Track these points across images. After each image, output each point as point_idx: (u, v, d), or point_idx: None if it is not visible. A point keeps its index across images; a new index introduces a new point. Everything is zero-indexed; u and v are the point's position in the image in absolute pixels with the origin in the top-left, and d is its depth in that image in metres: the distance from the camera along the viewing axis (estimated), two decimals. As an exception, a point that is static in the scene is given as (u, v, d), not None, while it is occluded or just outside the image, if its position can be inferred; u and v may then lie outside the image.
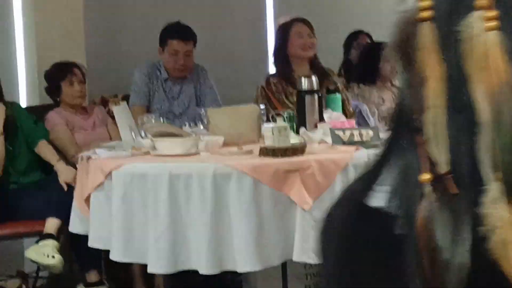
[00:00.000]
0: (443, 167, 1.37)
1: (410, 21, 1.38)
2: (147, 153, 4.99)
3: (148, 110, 5.96)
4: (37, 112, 6.00)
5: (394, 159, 1.51)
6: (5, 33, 6.42)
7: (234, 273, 5.09)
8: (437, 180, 1.39)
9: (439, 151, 1.37)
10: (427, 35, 1.37)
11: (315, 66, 5.79)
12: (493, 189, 1.35)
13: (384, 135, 5.22)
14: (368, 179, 1.55)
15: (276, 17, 7.15)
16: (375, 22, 7.25)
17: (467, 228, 1.36)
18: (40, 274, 5.88)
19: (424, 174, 1.40)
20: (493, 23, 1.36)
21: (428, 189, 1.39)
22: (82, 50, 6.37)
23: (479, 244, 1.35)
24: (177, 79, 6.12)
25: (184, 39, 6.03)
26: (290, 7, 6.77)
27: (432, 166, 1.38)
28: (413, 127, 1.41)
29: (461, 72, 1.36)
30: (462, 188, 1.38)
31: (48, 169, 5.71)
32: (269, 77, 5.89)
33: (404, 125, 1.45)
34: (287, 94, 5.75)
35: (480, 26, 1.36)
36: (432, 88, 1.36)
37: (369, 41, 6.97)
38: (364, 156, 4.80)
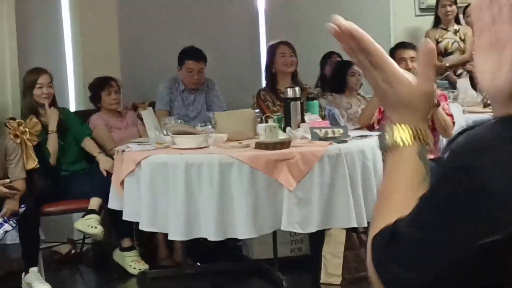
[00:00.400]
0: None
1: None
2: (168, 147, 4.99)
3: (169, 113, 5.95)
4: (83, 115, 6.00)
5: None
6: (58, 55, 6.43)
7: (236, 239, 5.12)
8: None
9: None
10: None
11: (296, 80, 5.79)
12: None
13: (351, 132, 5.22)
14: None
15: (267, 41, 7.15)
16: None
17: None
18: (86, 241, 5.90)
19: None
20: None
21: None
22: (117, 67, 6.37)
23: None
24: (191, 90, 6.10)
25: (197, 59, 6.00)
26: (278, 34, 6.76)
27: None
28: None
29: None
30: None
31: (91, 159, 5.69)
32: (260, 90, 5.94)
33: None
34: (274, 102, 5.75)
35: None
36: None
37: (339, 59, 6.94)
38: (336, 148, 4.83)
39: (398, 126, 1.19)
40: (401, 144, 1.18)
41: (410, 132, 1.19)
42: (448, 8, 7.15)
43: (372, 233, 1.14)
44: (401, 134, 1.19)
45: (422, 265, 1.06)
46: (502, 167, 1.03)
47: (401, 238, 1.08)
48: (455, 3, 7.23)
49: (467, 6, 7.52)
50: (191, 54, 6.01)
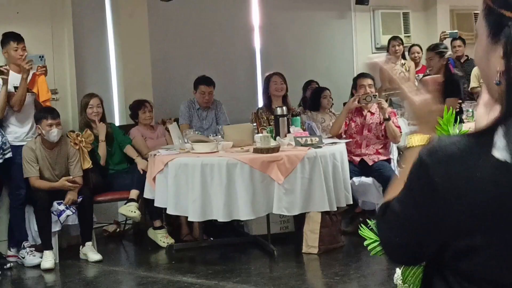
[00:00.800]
0: None
1: None
2: (188, 152, 4.98)
3: (189, 126, 5.94)
4: (125, 128, 5.95)
5: None
6: (106, 82, 6.39)
7: (239, 220, 5.11)
8: None
9: None
10: None
11: (286, 101, 5.80)
12: None
13: (325, 140, 5.22)
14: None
15: (262, 72, 7.16)
16: (320, 74, 7.25)
17: None
18: (127, 222, 5.86)
19: None
20: None
21: None
22: (150, 92, 6.33)
23: None
24: (204, 108, 6.04)
25: (208, 85, 5.96)
26: (270, 67, 6.75)
27: None
28: None
29: None
30: None
31: (131, 161, 5.65)
32: (258, 108, 5.89)
33: None
34: (268, 119, 5.73)
35: None
36: None
37: (316, 85, 6.93)
38: (313, 152, 4.84)
39: (413, 136, 1.36)
40: (413, 146, 1.35)
41: (420, 139, 1.35)
42: (397, 47, 7.26)
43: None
44: (414, 140, 1.35)
45: (398, 230, 1.15)
46: (444, 166, 1.07)
47: (390, 210, 1.17)
48: (402, 44, 7.33)
49: (411, 46, 7.59)
50: (203, 80, 5.98)
